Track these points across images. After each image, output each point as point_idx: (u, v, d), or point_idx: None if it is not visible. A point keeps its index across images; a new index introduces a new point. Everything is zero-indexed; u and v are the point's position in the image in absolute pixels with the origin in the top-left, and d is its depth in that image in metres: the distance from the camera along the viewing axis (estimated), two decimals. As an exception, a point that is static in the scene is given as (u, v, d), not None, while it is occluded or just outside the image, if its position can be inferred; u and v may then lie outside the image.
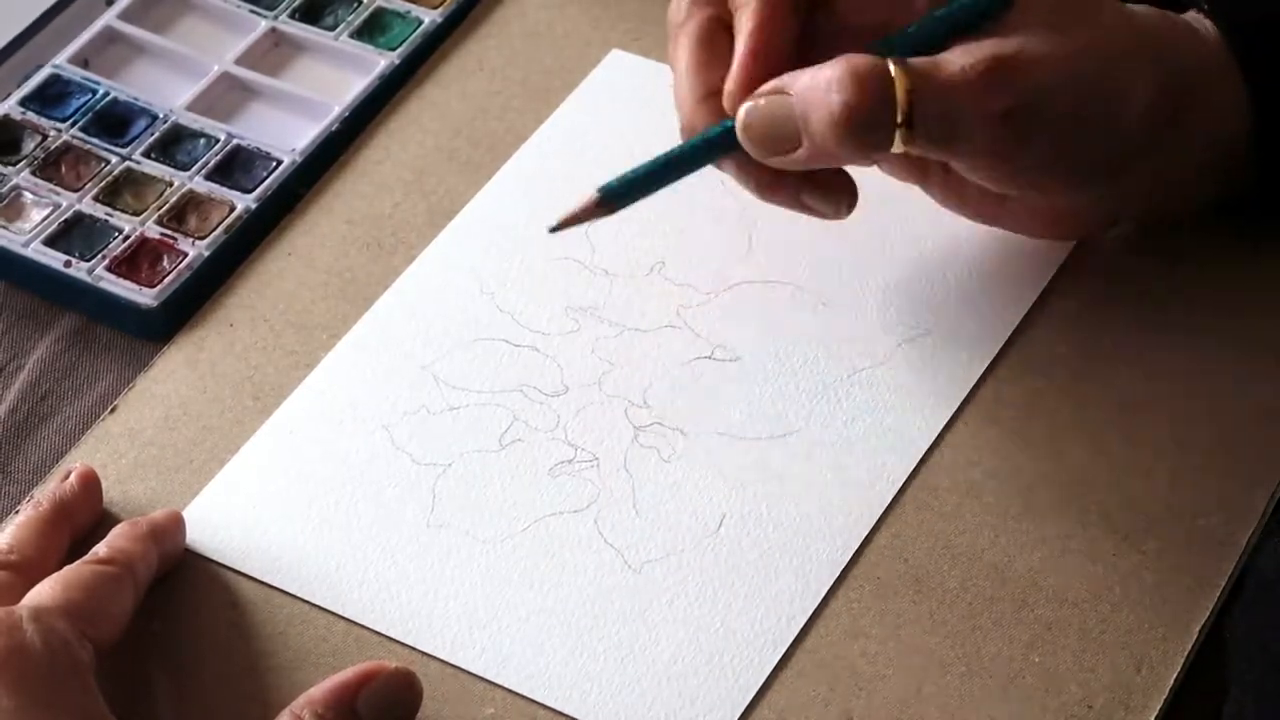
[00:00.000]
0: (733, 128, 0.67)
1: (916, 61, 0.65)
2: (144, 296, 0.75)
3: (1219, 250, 0.74)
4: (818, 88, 0.65)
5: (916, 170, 0.72)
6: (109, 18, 0.84)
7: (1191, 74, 0.68)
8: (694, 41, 0.69)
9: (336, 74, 0.82)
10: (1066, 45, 0.66)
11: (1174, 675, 0.63)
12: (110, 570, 0.64)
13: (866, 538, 0.67)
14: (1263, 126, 0.69)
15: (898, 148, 0.66)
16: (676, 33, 0.70)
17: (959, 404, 0.70)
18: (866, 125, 0.65)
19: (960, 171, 0.69)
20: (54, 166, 0.79)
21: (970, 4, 0.67)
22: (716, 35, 0.69)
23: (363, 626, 0.66)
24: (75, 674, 0.60)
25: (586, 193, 0.67)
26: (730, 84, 0.67)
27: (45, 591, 0.62)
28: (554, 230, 0.67)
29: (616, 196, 0.67)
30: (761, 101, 0.66)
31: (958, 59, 0.65)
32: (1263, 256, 0.74)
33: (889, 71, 0.65)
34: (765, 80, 0.67)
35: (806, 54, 0.68)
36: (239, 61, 0.82)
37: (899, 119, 0.65)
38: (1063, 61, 0.66)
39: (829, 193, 0.69)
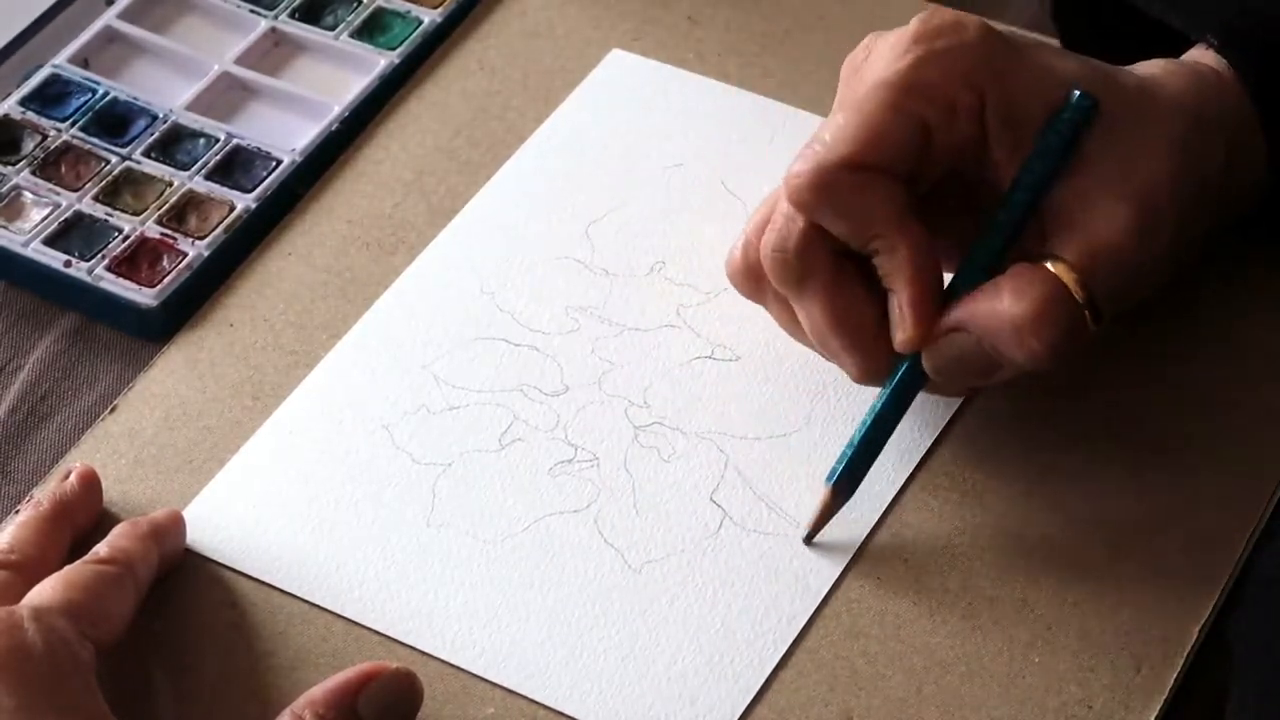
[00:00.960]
0: (915, 364, 0.66)
1: (1071, 249, 0.64)
2: (144, 296, 0.75)
3: (1219, 252, 0.74)
4: (1002, 328, 0.64)
5: None
6: (109, 17, 0.84)
7: (1225, 118, 0.68)
8: (829, 289, 0.67)
9: (336, 74, 0.82)
10: (1159, 148, 0.66)
11: (1174, 675, 0.63)
12: (111, 570, 0.64)
13: (866, 538, 0.67)
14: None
15: (1092, 333, 0.65)
16: (798, 284, 0.67)
17: (959, 404, 0.70)
18: (1069, 345, 0.64)
19: None
20: (54, 166, 0.79)
21: (1062, 126, 0.66)
22: (844, 272, 0.67)
23: (363, 626, 0.66)
24: (76, 673, 0.60)
25: (820, 492, 0.67)
26: (910, 332, 0.65)
27: (46, 591, 0.62)
28: (809, 540, 0.67)
29: (850, 480, 0.67)
30: (943, 344, 0.65)
31: (1103, 222, 0.64)
32: (1262, 259, 0.74)
33: (1065, 288, 0.64)
34: (934, 315, 0.66)
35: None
36: (239, 61, 0.82)
37: (1089, 317, 0.64)
38: (1169, 166, 0.65)
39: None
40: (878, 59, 0.67)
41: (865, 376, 0.67)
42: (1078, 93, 0.66)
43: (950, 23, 0.67)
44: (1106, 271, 0.64)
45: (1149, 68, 0.69)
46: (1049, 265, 0.64)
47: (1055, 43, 0.72)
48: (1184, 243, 0.67)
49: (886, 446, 0.68)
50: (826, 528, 0.67)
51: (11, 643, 0.59)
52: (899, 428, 0.68)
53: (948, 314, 0.65)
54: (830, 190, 0.65)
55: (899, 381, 0.66)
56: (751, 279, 0.69)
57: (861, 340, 0.67)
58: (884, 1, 0.83)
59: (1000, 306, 0.64)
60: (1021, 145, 0.66)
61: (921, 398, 0.70)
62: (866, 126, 0.65)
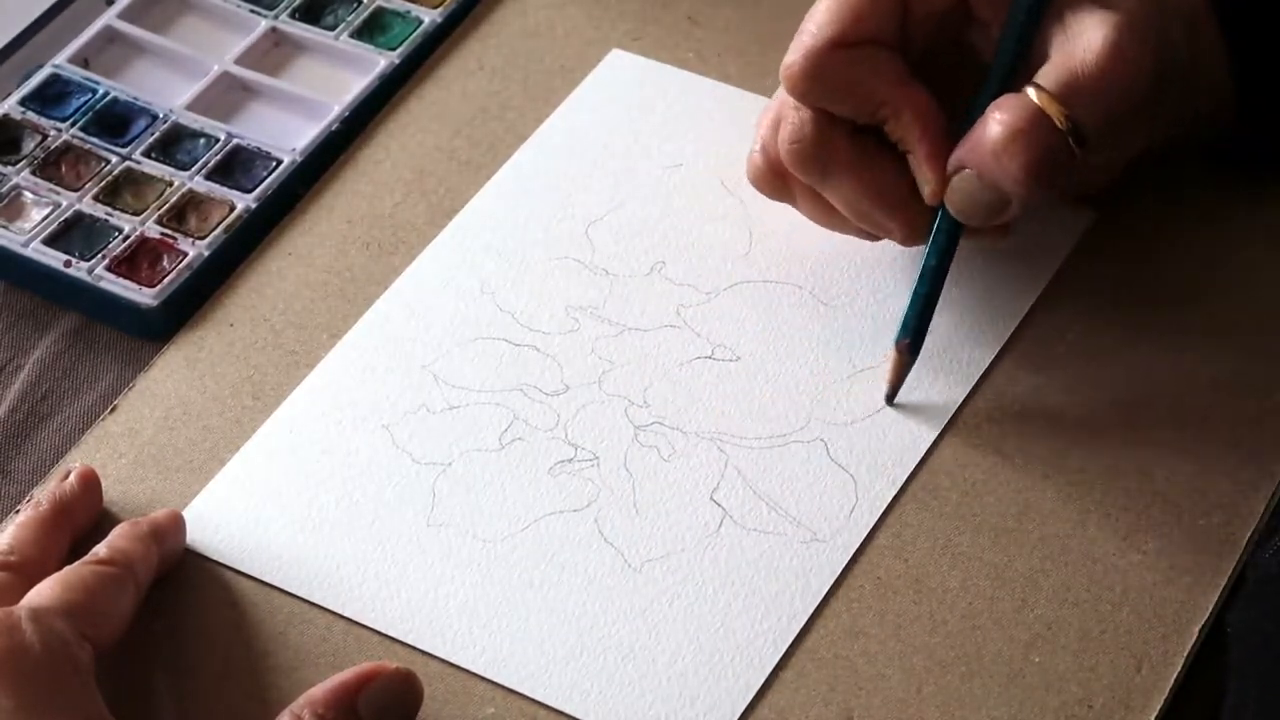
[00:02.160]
0: (947, 214, 0.69)
1: (1049, 74, 0.66)
2: (144, 296, 0.75)
3: (1219, 253, 0.74)
4: (987, 158, 0.66)
5: None
6: (109, 17, 0.84)
7: (1189, 16, 0.69)
8: (856, 171, 0.69)
9: (336, 74, 0.82)
10: (1135, 11, 0.67)
11: (1174, 675, 0.63)
12: (110, 571, 0.64)
13: (866, 538, 0.67)
14: (1240, 67, 0.70)
15: (1080, 160, 0.66)
16: (822, 173, 0.69)
17: (959, 403, 0.70)
18: (1051, 168, 0.66)
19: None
20: (54, 166, 0.79)
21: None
22: (867, 151, 0.69)
23: (363, 626, 0.66)
24: (74, 674, 0.60)
25: (888, 352, 0.70)
26: (931, 187, 0.68)
27: (45, 592, 0.62)
28: (890, 400, 0.70)
29: (917, 335, 0.70)
30: (952, 187, 0.68)
31: (1082, 49, 0.66)
32: (1263, 260, 0.74)
33: (1039, 107, 0.66)
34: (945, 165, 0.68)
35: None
36: (239, 61, 0.82)
37: (1071, 143, 0.66)
38: (1150, 15, 0.67)
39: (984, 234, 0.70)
40: None
41: (912, 237, 0.70)
42: None
43: None
44: (1087, 93, 0.66)
45: None
46: (1029, 91, 0.66)
47: None
48: (1161, 98, 0.68)
49: (887, 446, 0.69)
50: (827, 527, 0.67)
51: (10, 643, 0.59)
52: (899, 418, 0.69)
53: (951, 158, 0.68)
54: (824, 73, 0.68)
55: (937, 232, 0.69)
56: (776, 178, 0.71)
57: (899, 205, 0.69)
58: (884, 1, 0.83)
59: (983, 134, 0.66)
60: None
61: (921, 396, 0.70)
62: (846, 4, 0.68)
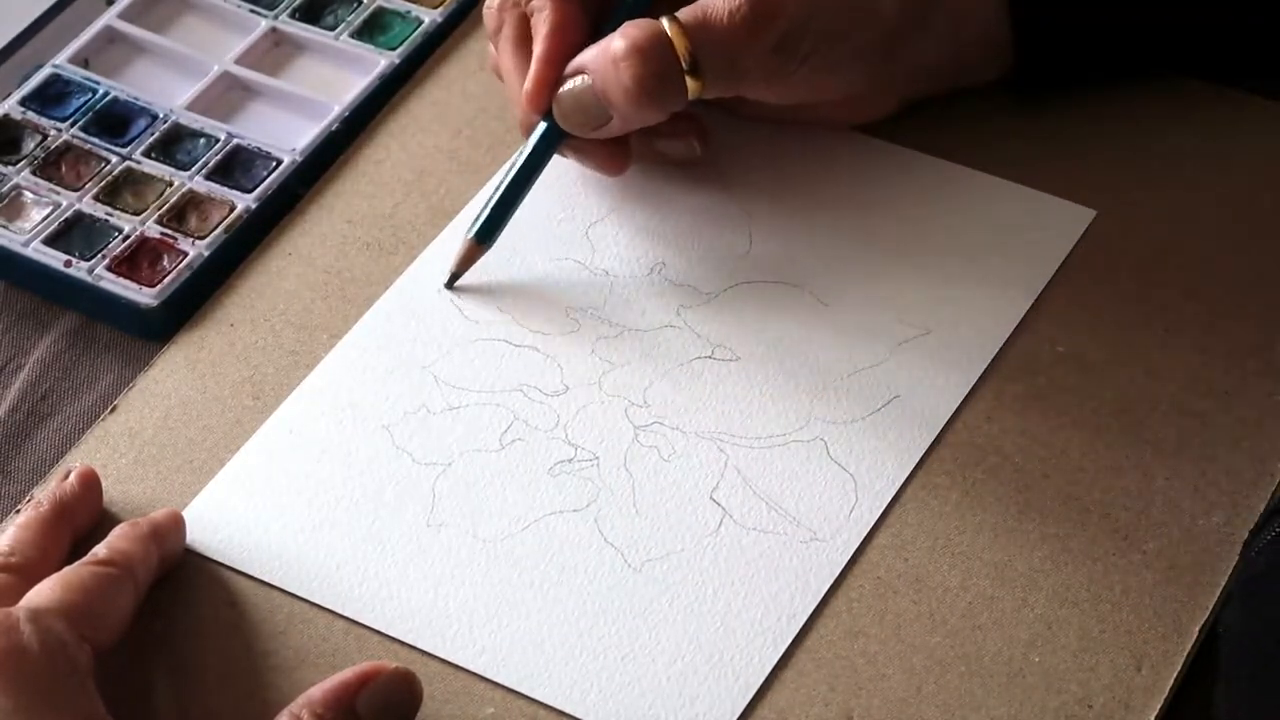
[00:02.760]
0: (551, 123, 0.73)
1: (686, 12, 0.71)
2: (144, 296, 0.75)
3: (1218, 253, 0.74)
4: (606, 65, 0.71)
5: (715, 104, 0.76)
6: (109, 17, 0.84)
7: None
8: (513, 45, 0.75)
9: (336, 74, 0.82)
10: None
11: (1174, 675, 0.63)
12: (110, 571, 0.64)
13: (866, 537, 0.67)
14: (1017, 18, 0.75)
15: (693, 95, 0.71)
16: (495, 39, 0.76)
17: (959, 403, 0.70)
18: (660, 89, 0.71)
19: (751, 98, 0.74)
20: (54, 166, 0.79)
21: None
22: (528, 35, 0.74)
23: (363, 626, 0.66)
24: (73, 675, 0.60)
25: (461, 241, 0.74)
26: (529, 84, 0.73)
27: (44, 593, 0.62)
28: (450, 286, 0.74)
29: (489, 232, 0.74)
30: (568, 85, 0.72)
31: (719, 5, 0.71)
32: (1260, 261, 0.74)
33: (666, 34, 0.71)
34: (557, 72, 0.73)
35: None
36: (239, 61, 0.82)
37: (686, 73, 0.71)
38: None
39: (675, 137, 0.76)
40: None
41: (523, 129, 0.75)
42: None
43: None
44: (711, 42, 0.71)
45: None
46: (663, 20, 0.71)
47: None
48: (847, 64, 0.73)
49: (887, 446, 0.69)
50: (827, 527, 0.67)
51: (8, 644, 0.59)
52: (899, 418, 0.69)
53: (574, 61, 0.72)
54: None
55: (537, 138, 0.74)
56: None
57: (541, 87, 0.74)
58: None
59: (608, 44, 0.71)
60: None
61: (921, 396, 0.70)
62: None
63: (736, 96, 0.74)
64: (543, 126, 0.73)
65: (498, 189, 0.74)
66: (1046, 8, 0.75)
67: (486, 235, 0.74)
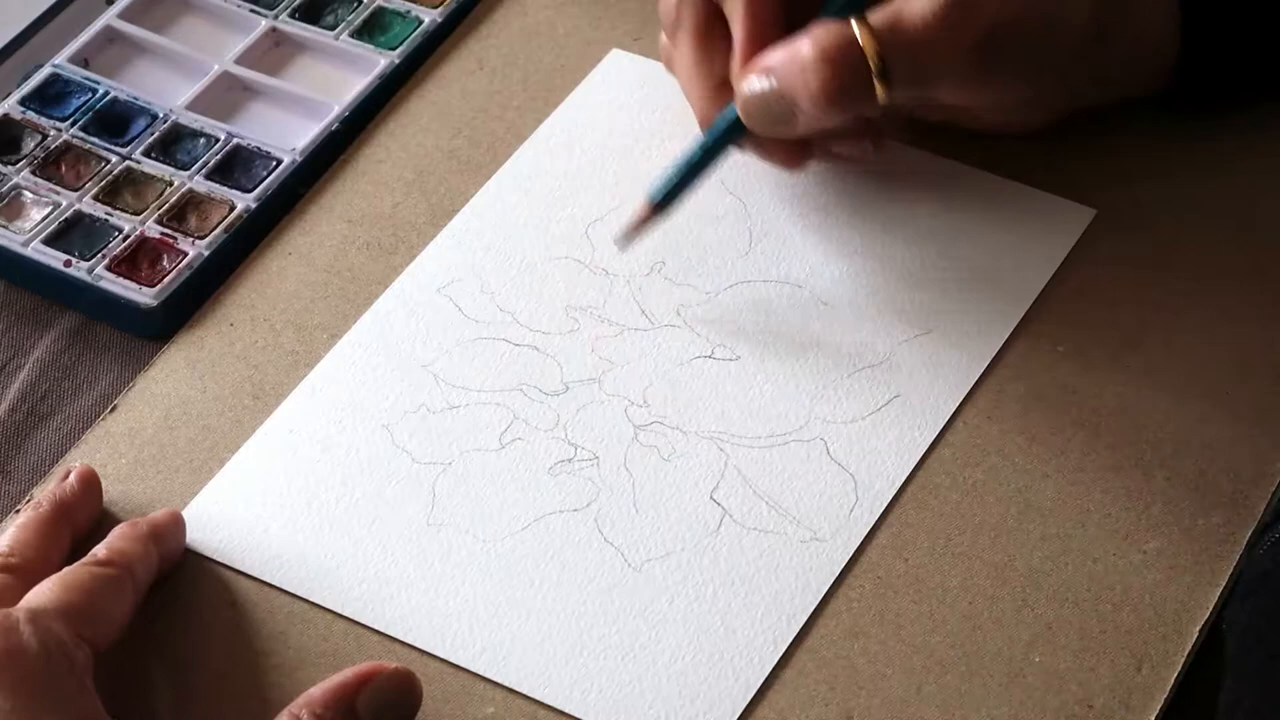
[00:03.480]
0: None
1: (878, 15, 0.69)
2: (144, 296, 0.75)
3: (1218, 253, 0.74)
4: (793, 69, 0.69)
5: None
6: (109, 17, 0.84)
7: None
8: (693, 36, 0.73)
9: (336, 74, 0.82)
10: None
11: (1174, 675, 0.63)
12: (109, 572, 0.64)
13: (866, 537, 0.67)
14: (1189, 33, 0.73)
15: (882, 101, 0.69)
16: (673, 31, 0.74)
17: (959, 404, 0.70)
18: (847, 96, 0.69)
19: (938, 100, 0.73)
20: (54, 166, 0.79)
21: None
22: (714, 26, 0.73)
23: (363, 626, 0.66)
24: (72, 676, 0.60)
25: (639, 202, 0.73)
26: (737, 65, 0.71)
27: (43, 593, 0.62)
28: (620, 244, 0.74)
29: (666, 199, 0.73)
30: (752, 85, 0.71)
31: (917, 4, 0.69)
32: (1264, 260, 0.74)
33: (855, 38, 0.69)
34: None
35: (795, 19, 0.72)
36: (239, 61, 0.82)
37: (875, 78, 0.69)
38: None
39: (850, 138, 0.74)
40: None
41: (702, 123, 0.74)
42: None
43: None
44: (903, 44, 0.69)
45: None
46: (852, 21, 0.69)
47: None
48: (1035, 69, 0.72)
49: (886, 446, 0.69)
50: (827, 527, 0.67)
51: (6, 645, 0.59)
52: (899, 418, 0.69)
53: (759, 58, 0.71)
54: None
55: (725, 121, 0.72)
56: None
57: (707, 89, 0.73)
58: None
59: (796, 47, 0.70)
60: None
61: (921, 396, 0.70)
62: None
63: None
64: (729, 116, 0.72)
65: (682, 162, 0.73)
66: (1218, 32, 0.73)
67: (666, 203, 0.73)
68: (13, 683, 0.59)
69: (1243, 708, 0.60)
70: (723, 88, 0.73)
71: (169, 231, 0.77)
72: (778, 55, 0.70)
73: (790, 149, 0.73)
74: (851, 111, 0.70)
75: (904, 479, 0.68)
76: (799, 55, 0.69)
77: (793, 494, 0.68)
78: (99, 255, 0.76)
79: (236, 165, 0.79)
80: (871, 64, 0.69)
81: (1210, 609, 0.65)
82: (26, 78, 0.82)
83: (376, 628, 0.66)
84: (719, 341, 0.73)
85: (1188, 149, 0.77)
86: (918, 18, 0.69)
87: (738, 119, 0.72)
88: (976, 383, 0.71)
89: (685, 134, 0.79)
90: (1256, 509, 0.67)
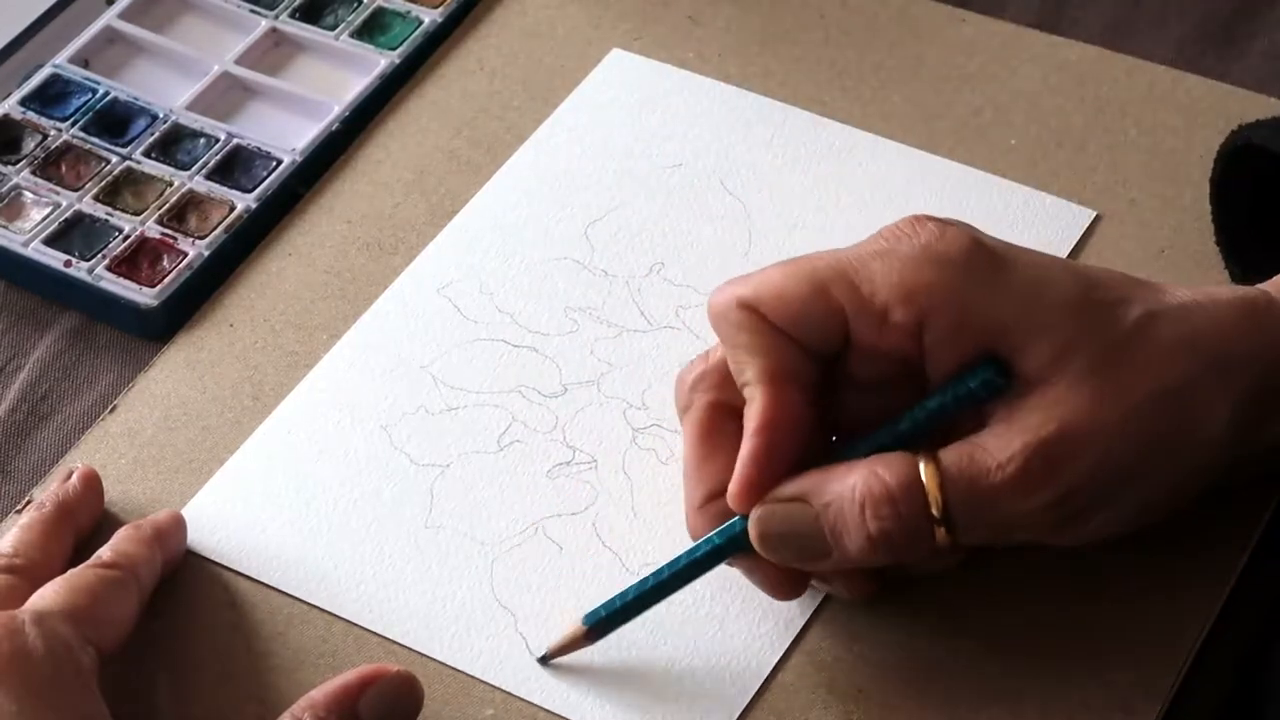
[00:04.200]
0: (741, 532, 0.62)
1: (951, 457, 0.60)
2: (144, 296, 0.75)
3: (1218, 253, 0.74)
4: (848, 507, 0.61)
5: None
6: (109, 17, 0.84)
7: (1259, 355, 0.62)
8: (695, 434, 0.64)
9: (336, 74, 0.82)
10: (1110, 405, 0.60)
11: (1174, 676, 0.63)
12: (114, 574, 0.64)
13: (866, 538, 0.67)
14: None
15: (942, 548, 0.61)
16: (682, 419, 0.65)
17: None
18: (904, 543, 0.61)
19: None
20: (54, 166, 0.79)
21: (964, 393, 0.61)
22: (723, 424, 0.64)
23: (361, 627, 0.66)
24: (77, 678, 0.60)
25: (572, 624, 0.64)
26: (734, 485, 0.62)
27: (48, 595, 0.62)
28: (543, 661, 0.64)
29: (603, 630, 0.64)
30: (779, 509, 0.62)
31: (993, 453, 0.60)
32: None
33: (921, 483, 0.60)
34: (774, 479, 0.62)
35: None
36: (239, 61, 0.82)
37: (938, 524, 0.60)
38: (1110, 428, 0.60)
39: (853, 582, 0.64)
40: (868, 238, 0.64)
41: (693, 533, 0.64)
42: (986, 364, 0.61)
43: (932, 228, 0.63)
44: (970, 498, 0.60)
45: (1198, 293, 0.63)
46: (920, 463, 0.60)
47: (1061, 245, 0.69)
48: (1135, 503, 0.62)
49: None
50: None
51: (12, 647, 0.59)
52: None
53: (793, 481, 0.62)
54: (722, 321, 0.63)
55: (707, 548, 0.63)
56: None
57: (700, 496, 0.64)
58: (884, 1, 0.83)
59: (851, 479, 0.61)
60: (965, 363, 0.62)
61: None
62: (782, 284, 0.62)
63: None
64: (719, 536, 0.63)
65: (633, 589, 0.63)
66: None
67: (599, 632, 0.64)
68: (18, 685, 0.59)
69: None
70: (715, 501, 0.63)
71: (169, 232, 0.77)
72: (825, 485, 0.61)
73: (787, 578, 0.64)
74: (903, 559, 0.62)
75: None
76: (856, 489, 0.60)
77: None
78: (99, 255, 0.76)
79: (236, 165, 0.79)
80: (933, 509, 0.60)
81: (1211, 610, 0.65)
82: (27, 78, 0.82)
83: (375, 629, 0.66)
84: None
85: (1188, 149, 0.77)
86: (988, 468, 0.60)
87: (734, 540, 0.63)
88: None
89: (685, 133, 0.79)
90: (1259, 512, 0.67)
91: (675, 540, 0.67)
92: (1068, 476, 0.60)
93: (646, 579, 0.64)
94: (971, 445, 0.61)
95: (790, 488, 0.62)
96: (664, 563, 0.63)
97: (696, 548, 0.63)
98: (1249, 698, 0.64)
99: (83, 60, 0.82)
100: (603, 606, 0.64)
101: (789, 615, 0.65)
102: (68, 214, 0.77)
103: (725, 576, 0.66)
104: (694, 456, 0.64)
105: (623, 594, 0.64)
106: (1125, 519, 0.62)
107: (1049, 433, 0.60)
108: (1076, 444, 0.60)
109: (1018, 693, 0.63)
